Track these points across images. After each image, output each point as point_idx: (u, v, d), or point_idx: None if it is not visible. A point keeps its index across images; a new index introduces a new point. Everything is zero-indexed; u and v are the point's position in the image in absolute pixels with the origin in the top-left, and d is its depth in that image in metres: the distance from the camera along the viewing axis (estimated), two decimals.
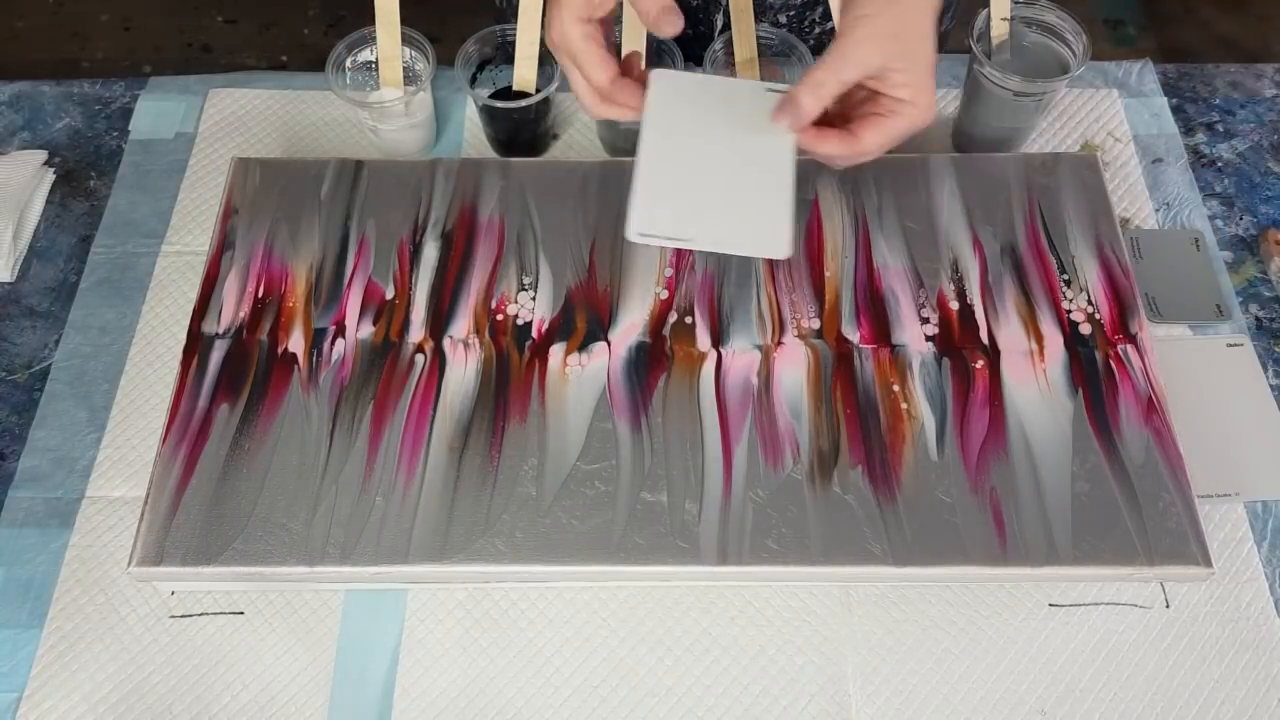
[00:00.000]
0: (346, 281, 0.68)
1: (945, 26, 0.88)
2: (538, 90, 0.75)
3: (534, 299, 0.67)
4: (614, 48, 0.58)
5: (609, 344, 0.65)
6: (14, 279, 0.74)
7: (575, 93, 0.59)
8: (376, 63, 0.75)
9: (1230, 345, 0.69)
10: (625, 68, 0.58)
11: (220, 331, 0.66)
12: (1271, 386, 0.68)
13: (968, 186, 0.72)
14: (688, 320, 0.66)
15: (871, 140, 0.55)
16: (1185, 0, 1.91)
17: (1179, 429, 0.61)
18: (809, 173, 0.72)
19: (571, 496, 0.59)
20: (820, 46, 0.77)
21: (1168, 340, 0.70)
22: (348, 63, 0.77)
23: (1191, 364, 0.68)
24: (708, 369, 0.64)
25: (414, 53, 0.76)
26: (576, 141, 0.81)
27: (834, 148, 0.55)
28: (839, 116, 0.57)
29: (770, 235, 0.54)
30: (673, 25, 0.55)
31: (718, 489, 0.59)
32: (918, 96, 0.54)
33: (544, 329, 0.66)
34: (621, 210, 0.70)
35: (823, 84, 0.53)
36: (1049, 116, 0.81)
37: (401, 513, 0.59)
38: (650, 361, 0.64)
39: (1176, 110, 0.83)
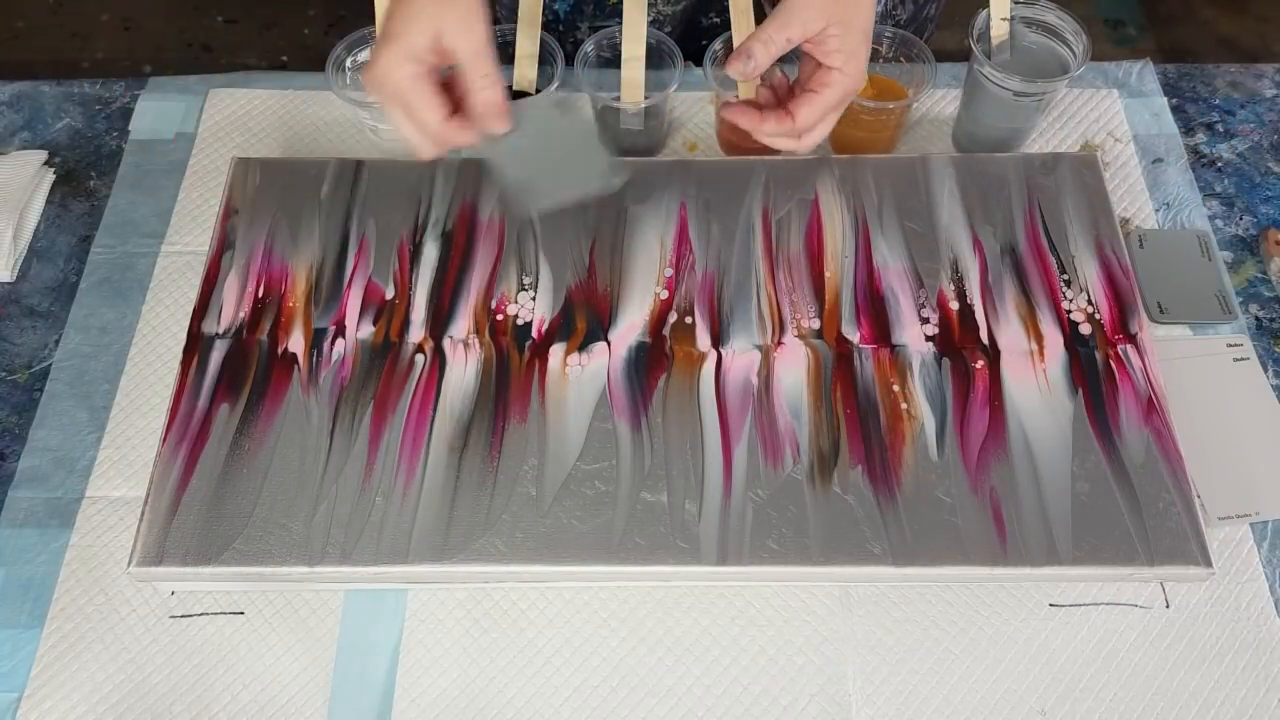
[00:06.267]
0: (346, 281, 0.68)
1: (930, 12, 0.88)
2: (538, 90, 0.75)
3: (534, 299, 0.67)
4: (442, 86, 0.57)
5: (609, 344, 0.65)
6: (14, 279, 0.74)
7: (402, 134, 0.57)
8: None
9: (1230, 345, 0.69)
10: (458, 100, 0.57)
11: (220, 331, 0.66)
12: (1273, 387, 0.68)
13: (968, 186, 0.72)
14: (688, 320, 0.66)
15: (806, 116, 0.58)
16: (1185, 0, 1.90)
17: (1180, 430, 0.61)
18: (809, 173, 0.72)
19: (571, 496, 0.59)
20: None
21: (1168, 340, 0.70)
22: (348, 63, 0.77)
23: (1192, 364, 0.68)
24: (708, 369, 0.64)
25: None
26: None
27: (773, 126, 0.58)
28: (776, 106, 0.60)
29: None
30: (501, 125, 0.57)
31: (718, 489, 0.59)
32: (848, 64, 0.57)
33: (544, 329, 0.66)
34: (622, 210, 0.70)
35: (771, 40, 0.56)
36: (1049, 116, 0.81)
37: (401, 513, 0.59)
38: (650, 361, 0.64)
39: (1176, 110, 0.83)
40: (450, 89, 0.57)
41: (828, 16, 0.56)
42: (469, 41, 0.54)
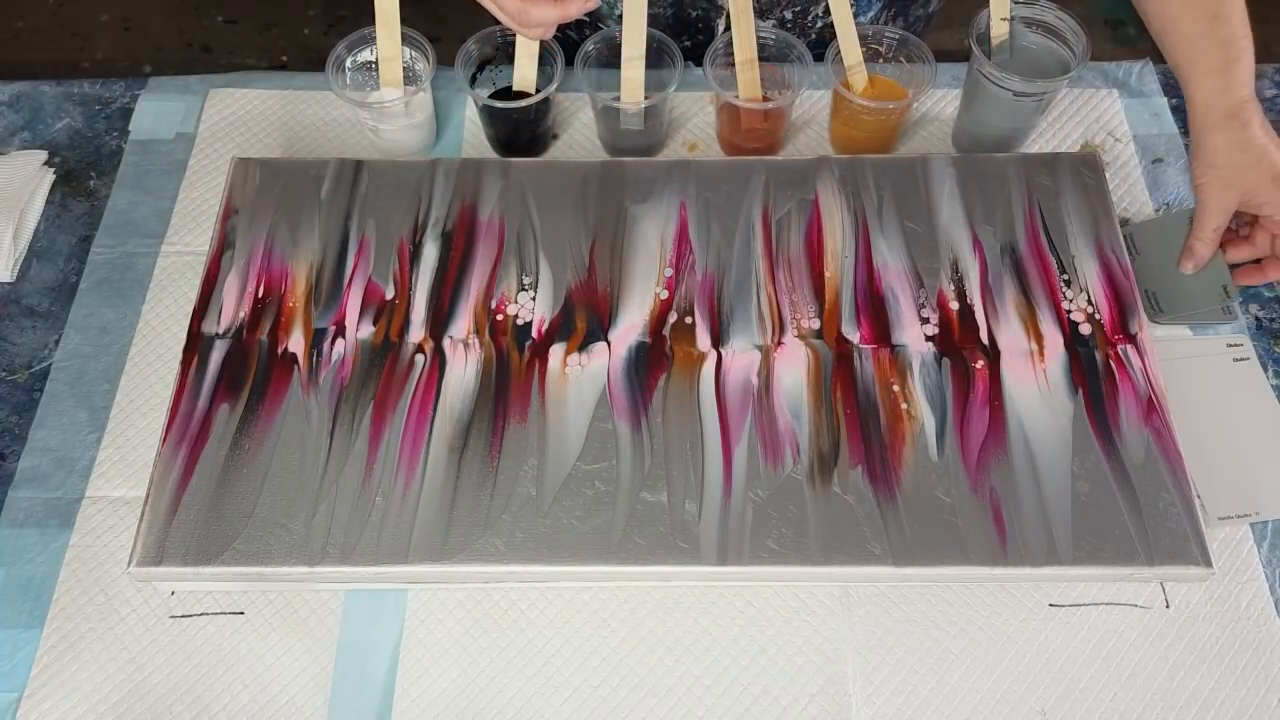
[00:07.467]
0: (346, 281, 0.68)
1: (933, 10, 0.88)
2: (538, 90, 0.75)
3: (534, 299, 0.67)
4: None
5: (609, 344, 0.65)
6: (14, 279, 0.74)
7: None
8: (376, 63, 0.75)
9: (1230, 345, 0.69)
10: None
11: (220, 331, 0.66)
12: (1273, 387, 0.68)
13: (968, 186, 0.72)
14: (688, 320, 0.66)
15: (1263, 242, 0.69)
16: None
17: (1180, 430, 0.61)
18: (809, 173, 0.72)
19: (571, 496, 0.59)
20: (822, 42, 0.77)
21: (1168, 340, 0.70)
22: (348, 63, 0.77)
23: (1192, 364, 0.68)
24: (708, 369, 0.64)
25: (414, 53, 0.76)
26: (576, 141, 0.81)
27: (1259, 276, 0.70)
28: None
29: None
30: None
31: (718, 489, 0.59)
32: None
33: (544, 329, 0.66)
34: (622, 210, 0.70)
35: (1203, 238, 0.68)
36: (1049, 116, 0.81)
37: (401, 513, 0.59)
38: (650, 361, 0.64)
39: (1176, 110, 0.83)
40: None
41: (1237, 197, 0.66)
42: None
